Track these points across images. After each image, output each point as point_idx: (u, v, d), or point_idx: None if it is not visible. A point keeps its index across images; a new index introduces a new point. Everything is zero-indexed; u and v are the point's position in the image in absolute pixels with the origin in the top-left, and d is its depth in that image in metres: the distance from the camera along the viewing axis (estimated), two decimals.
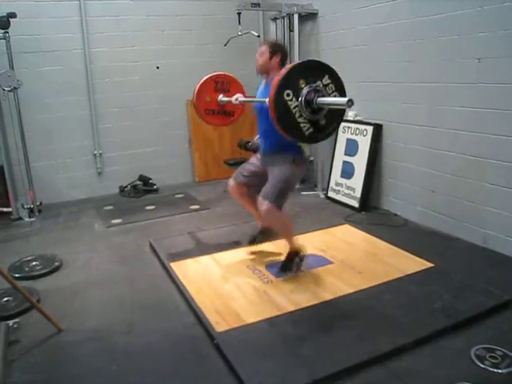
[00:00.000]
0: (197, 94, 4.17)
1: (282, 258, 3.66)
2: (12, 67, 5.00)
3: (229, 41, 5.66)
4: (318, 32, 5.73)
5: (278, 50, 3.41)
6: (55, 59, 5.66)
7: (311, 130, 2.89)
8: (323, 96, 2.82)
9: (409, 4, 4.37)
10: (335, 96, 2.92)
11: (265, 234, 3.93)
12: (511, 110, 3.63)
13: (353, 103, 2.65)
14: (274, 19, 5.98)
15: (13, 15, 4.92)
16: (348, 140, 5.37)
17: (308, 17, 5.79)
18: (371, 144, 5.00)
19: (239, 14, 5.39)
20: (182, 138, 6.63)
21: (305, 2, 5.74)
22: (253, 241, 3.94)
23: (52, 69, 5.66)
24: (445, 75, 4.14)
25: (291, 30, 5.75)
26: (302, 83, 2.79)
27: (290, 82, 2.76)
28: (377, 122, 4.99)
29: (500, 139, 3.73)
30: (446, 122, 4.19)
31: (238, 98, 3.93)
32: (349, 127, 5.36)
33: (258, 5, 5.76)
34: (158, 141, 6.45)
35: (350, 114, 5.33)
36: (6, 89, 4.92)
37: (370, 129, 5.03)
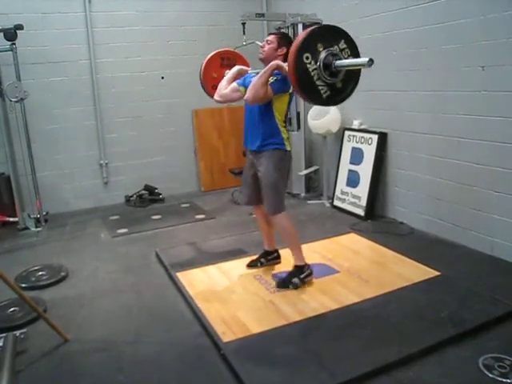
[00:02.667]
0: (204, 71, 4.16)
1: (289, 267, 3.66)
2: (19, 78, 5.03)
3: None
4: None
5: (286, 43, 3.32)
6: (61, 70, 5.71)
7: (328, 92, 2.88)
8: (340, 59, 2.81)
9: (412, 13, 4.39)
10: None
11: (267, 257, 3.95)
12: None
13: (373, 62, 2.62)
14: (279, 29, 6.00)
15: (20, 27, 4.96)
16: (353, 149, 5.38)
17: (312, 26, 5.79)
18: (376, 152, 5.00)
19: (244, 24, 5.42)
20: (188, 147, 6.66)
21: (309, 12, 5.77)
22: (254, 265, 3.93)
23: (58, 79, 5.72)
24: (449, 83, 4.15)
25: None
26: (319, 47, 2.78)
27: (308, 45, 2.75)
28: (382, 130, 5.00)
29: (505, 147, 3.73)
30: (451, 130, 4.19)
31: (249, 70, 3.82)
32: (354, 136, 5.37)
33: (263, 15, 5.80)
34: (164, 150, 6.47)
35: (355, 123, 5.35)
36: (13, 100, 4.96)
37: (374, 137, 5.03)
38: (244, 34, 5.39)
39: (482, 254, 4.01)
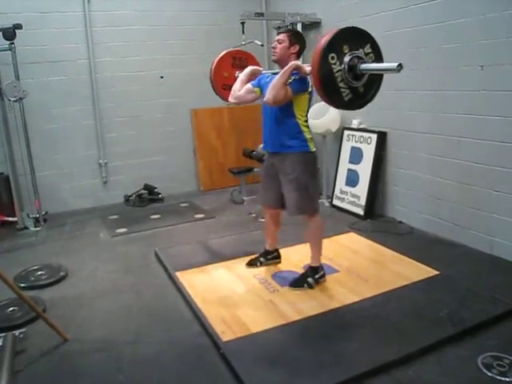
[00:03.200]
0: (214, 69, 4.14)
1: (288, 267, 3.66)
2: (18, 78, 5.03)
3: None
4: None
5: (298, 41, 3.32)
6: (60, 69, 5.70)
7: (350, 95, 2.86)
8: (365, 63, 2.79)
9: (412, 13, 4.39)
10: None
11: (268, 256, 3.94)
12: None
13: (402, 67, 2.59)
14: (278, 28, 6.00)
15: (18, 26, 4.95)
16: (352, 148, 5.38)
17: (312, 26, 5.81)
18: (375, 152, 5.00)
19: (243, 23, 5.41)
20: (187, 146, 6.65)
21: (308, 11, 5.76)
22: (253, 264, 3.92)
23: (57, 79, 5.71)
24: (448, 83, 4.15)
25: None
26: (345, 49, 2.75)
27: (334, 45, 2.72)
28: (381, 129, 5.00)
29: (505, 146, 3.73)
30: (451, 129, 4.19)
31: (262, 70, 3.78)
32: (353, 135, 5.37)
33: (262, 14, 5.80)
34: (163, 150, 6.47)
35: (354, 122, 5.35)
36: (12, 99, 4.95)
37: (374, 137, 5.03)
38: (243, 33, 5.38)
39: (482, 253, 4.01)
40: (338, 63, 2.74)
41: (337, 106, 3.05)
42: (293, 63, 3.11)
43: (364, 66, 2.76)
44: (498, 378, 2.41)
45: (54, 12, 5.55)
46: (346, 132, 5.48)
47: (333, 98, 2.86)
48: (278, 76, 3.13)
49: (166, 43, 6.24)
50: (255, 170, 6.05)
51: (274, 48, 3.34)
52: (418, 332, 2.84)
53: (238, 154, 6.43)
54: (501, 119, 3.74)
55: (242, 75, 3.60)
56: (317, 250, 3.55)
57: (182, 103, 6.44)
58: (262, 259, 3.91)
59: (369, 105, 5.09)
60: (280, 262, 3.93)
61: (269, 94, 3.11)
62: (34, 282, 3.83)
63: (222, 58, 4.17)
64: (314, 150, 3.39)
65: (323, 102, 5.75)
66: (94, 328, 3.13)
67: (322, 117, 5.38)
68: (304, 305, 3.22)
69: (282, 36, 3.32)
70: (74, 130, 5.91)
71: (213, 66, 4.16)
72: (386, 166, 5.04)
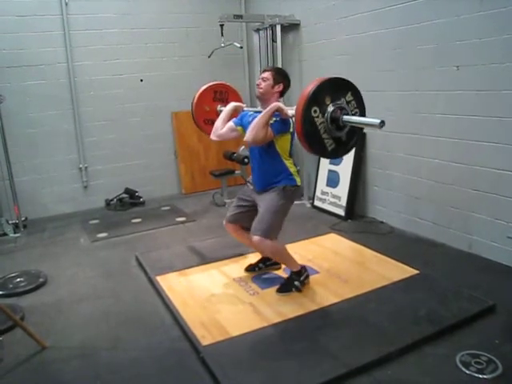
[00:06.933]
0: (196, 104, 4.17)
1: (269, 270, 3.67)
2: None
3: (212, 52, 5.70)
4: (301, 42, 5.77)
5: (282, 79, 3.30)
6: (39, 73, 5.64)
7: (334, 145, 2.89)
8: (347, 114, 2.81)
9: (388, 14, 4.42)
10: (357, 113, 2.91)
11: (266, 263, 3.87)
12: (490, 116, 3.68)
13: (384, 124, 2.60)
14: (257, 30, 6.01)
15: None
16: None
17: (290, 27, 5.82)
18: (355, 152, 5.02)
19: (222, 25, 5.43)
20: (168, 149, 6.63)
21: (287, 13, 5.78)
22: (252, 269, 3.84)
23: (36, 83, 5.65)
24: (424, 83, 4.19)
25: (274, 40, 5.77)
26: (327, 100, 2.78)
27: (316, 98, 2.74)
28: None
29: (481, 145, 3.78)
30: (428, 130, 4.23)
31: (244, 107, 3.77)
32: None
33: (241, 16, 5.82)
34: (144, 153, 6.44)
35: None
36: None
37: None
38: (222, 35, 5.40)
39: (461, 252, 4.05)
40: (320, 116, 2.77)
41: (321, 156, 3.06)
42: (274, 105, 3.08)
43: (347, 118, 2.78)
44: (476, 375, 2.44)
45: (31, 15, 5.49)
46: None
47: (316, 149, 2.90)
48: (259, 116, 3.11)
49: (146, 46, 6.21)
50: (236, 172, 6.06)
51: (258, 85, 3.32)
52: (398, 332, 2.85)
53: (220, 156, 6.42)
54: (476, 118, 3.79)
55: (223, 113, 3.61)
56: (286, 261, 3.50)
57: (162, 106, 6.42)
58: (261, 265, 3.83)
59: None
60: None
61: (249, 134, 3.10)
62: (13, 289, 3.78)
63: (203, 92, 4.20)
64: (299, 183, 3.38)
65: None
66: (72, 334, 3.09)
67: None
68: (284, 307, 3.22)
69: (267, 74, 3.30)
70: (53, 134, 5.85)
71: (194, 101, 4.20)
72: (366, 166, 5.07)
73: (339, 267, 3.84)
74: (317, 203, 5.60)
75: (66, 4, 5.64)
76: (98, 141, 6.14)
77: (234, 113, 3.62)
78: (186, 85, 6.38)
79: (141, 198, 6.26)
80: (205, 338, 2.87)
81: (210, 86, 4.22)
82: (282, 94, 3.33)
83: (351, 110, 2.87)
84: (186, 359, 2.74)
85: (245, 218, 3.50)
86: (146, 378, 2.61)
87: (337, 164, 5.31)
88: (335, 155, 3.11)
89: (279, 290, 3.46)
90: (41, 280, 3.91)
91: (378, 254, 4.03)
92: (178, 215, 5.68)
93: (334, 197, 5.32)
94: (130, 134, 6.31)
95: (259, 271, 3.82)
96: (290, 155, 3.37)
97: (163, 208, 6.04)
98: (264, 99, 3.29)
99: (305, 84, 5.65)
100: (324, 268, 3.83)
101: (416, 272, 3.63)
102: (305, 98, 2.72)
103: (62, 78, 5.82)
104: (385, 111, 4.66)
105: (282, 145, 3.27)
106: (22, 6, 5.43)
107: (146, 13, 6.14)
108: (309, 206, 5.69)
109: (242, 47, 6.09)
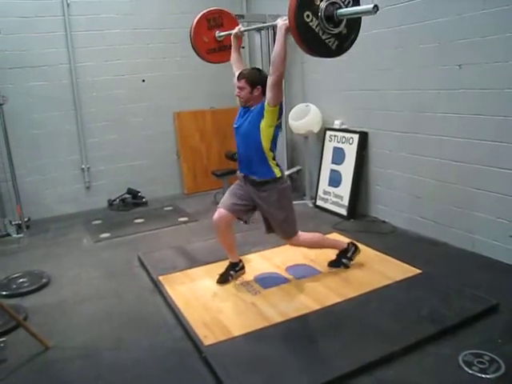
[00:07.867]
0: (194, 39, 4.08)
1: (270, 268, 3.74)
2: None
3: None
4: None
5: (258, 81, 3.26)
6: (41, 74, 5.66)
7: (337, 42, 2.83)
8: (341, 7, 2.72)
9: (390, 13, 4.41)
10: (350, 2, 2.80)
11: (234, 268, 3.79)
12: (493, 115, 3.67)
13: (378, 8, 2.53)
14: (259, 30, 6.00)
15: None
16: (335, 148, 5.40)
17: None
18: (357, 152, 5.02)
19: None
20: (170, 150, 6.64)
21: None
22: (225, 280, 3.72)
23: (38, 84, 5.66)
24: (427, 82, 4.18)
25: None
26: (317, 1, 2.69)
27: (305, 2, 2.65)
28: (362, 130, 5.02)
29: (484, 144, 3.77)
30: (430, 129, 4.23)
31: (240, 28, 3.82)
32: (335, 136, 5.39)
33: (243, 16, 5.80)
34: (146, 153, 6.45)
35: (336, 123, 5.36)
36: None
37: (355, 137, 5.05)
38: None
39: (464, 251, 4.04)
40: (314, 19, 2.69)
41: (330, 57, 2.97)
42: (280, 27, 2.98)
43: (341, 11, 2.71)
44: (479, 375, 2.43)
45: (34, 16, 5.50)
46: (328, 133, 5.50)
47: (322, 52, 2.84)
48: (276, 45, 3.05)
49: (148, 46, 6.22)
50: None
51: (238, 95, 3.32)
52: (400, 331, 2.85)
53: (222, 156, 6.44)
54: (479, 117, 3.78)
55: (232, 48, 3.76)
56: (329, 246, 3.81)
57: (164, 106, 6.42)
58: (232, 272, 3.74)
59: (350, 105, 5.15)
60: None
61: (272, 71, 3.06)
62: (16, 289, 3.80)
63: (196, 24, 4.08)
64: (278, 175, 3.36)
65: (304, 104, 5.78)
66: (75, 334, 3.10)
67: (303, 118, 5.39)
68: (286, 307, 3.22)
69: (241, 83, 3.28)
70: (55, 135, 5.87)
71: (191, 35, 4.09)
72: (368, 165, 5.07)
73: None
74: (319, 203, 5.60)
75: (68, 5, 5.64)
76: (100, 141, 6.15)
77: (238, 40, 3.78)
78: (187, 85, 6.39)
79: (143, 198, 6.27)
80: (207, 337, 2.87)
81: (200, 17, 4.10)
82: (263, 93, 3.24)
83: (346, 5, 2.76)
84: (188, 359, 2.75)
85: (242, 212, 3.55)
86: (149, 378, 2.61)
87: (339, 164, 5.31)
88: (342, 51, 2.95)
89: (330, 265, 3.81)
90: (44, 280, 3.92)
91: (380, 254, 4.03)
92: (180, 215, 5.68)
93: (336, 196, 5.32)
94: (132, 134, 6.32)
95: (232, 280, 3.71)
96: (271, 150, 3.31)
97: (166, 208, 6.05)
98: (249, 104, 3.32)
99: (307, 84, 5.68)
100: (326, 268, 3.82)
101: (418, 271, 3.62)
102: (292, 5, 2.65)
103: (65, 79, 5.83)
104: (386, 110, 4.68)
105: (266, 133, 3.24)
106: (24, 8, 5.44)
107: (147, 13, 6.15)
108: (311, 205, 5.69)
109: (243, 47, 6.07)
